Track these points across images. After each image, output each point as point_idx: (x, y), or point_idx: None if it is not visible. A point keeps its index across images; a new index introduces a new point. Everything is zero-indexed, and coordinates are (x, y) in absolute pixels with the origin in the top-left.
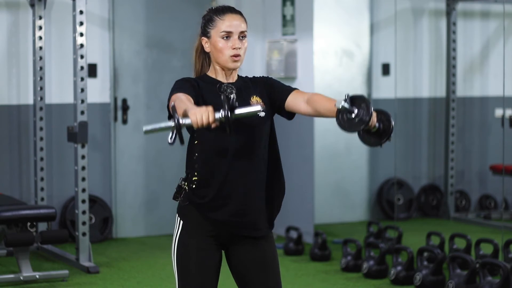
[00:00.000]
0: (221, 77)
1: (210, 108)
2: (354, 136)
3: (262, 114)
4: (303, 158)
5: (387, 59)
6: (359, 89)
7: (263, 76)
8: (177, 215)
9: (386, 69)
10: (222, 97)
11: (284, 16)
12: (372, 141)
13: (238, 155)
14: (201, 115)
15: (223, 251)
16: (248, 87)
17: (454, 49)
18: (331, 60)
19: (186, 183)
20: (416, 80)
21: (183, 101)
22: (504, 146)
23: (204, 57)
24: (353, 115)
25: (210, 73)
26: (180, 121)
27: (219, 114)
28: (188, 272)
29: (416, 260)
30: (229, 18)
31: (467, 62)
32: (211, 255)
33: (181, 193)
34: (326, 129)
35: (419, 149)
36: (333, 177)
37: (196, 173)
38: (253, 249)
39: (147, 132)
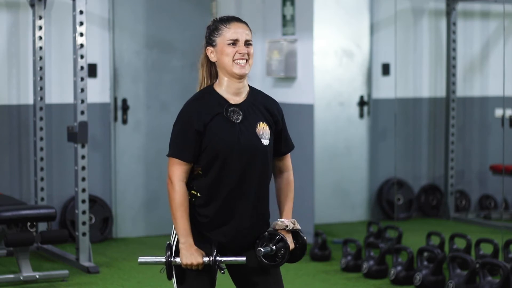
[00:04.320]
0: (227, 93)
1: (199, 257)
2: (354, 136)
3: (266, 142)
4: (303, 158)
5: (387, 59)
6: (359, 89)
7: (278, 107)
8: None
9: (386, 69)
10: (211, 245)
11: (284, 16)
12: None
13: (241, 179)
14: (191, 261)
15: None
16: (256, 109)
17: (454, 49)
18: (331, 60)
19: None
20: (416, 80)
21: (179, 213)
22: (504, 146)
23: (210, 68)
24: (279, 251)
25: (217, 87)
26: (171, 261)
27: (207, 259)
28: (185, 277)
29: (416, 260)
30: (235, 26)
31: (467, 62)
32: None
33: None
34: (326, 129)
35: (419, 149)
36: (333, 177)
37: (194, 187)
38: (253, 251)
39: (141, 263)
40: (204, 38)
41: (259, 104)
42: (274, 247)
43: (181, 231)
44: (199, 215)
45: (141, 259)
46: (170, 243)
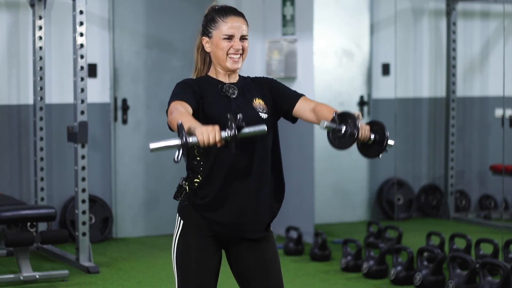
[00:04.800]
0: (222, 77)
1: (216, 128)
2: None
3: (265, 116)
4: (303, 158)
5: (387, 59)
6: (359, 89)
7: (265, 78)
8: (177, 214)
9: (386, 69)
10: (228, 116)
11: (284, 16)
12: (371, 152)
13: (241, 158)
14: (207, 134)
15: (223, 251)
16: (250, 88)
17: (454, 49)
18: (331, 60)
19: (187, 183)
20: (416, 80)
21: (184, 115)
22: (504, 146)
23: (205, 56)
24: (342, 133)
25: (211, 73)
26: (188, 140)
27: (225, 133)
28: (187, 272)
29: (416, 260)
30: (232, 21)
31: (467, 62)
32: (211, 255)
33: (181, 193)
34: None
35: (419, 149)
36: (333, 177)
37: (197, 174)
38: (254, 249)
39: (153, 150)
40: (200, 25)
41: (251, 82)
42: (342, 126)
43: (191, 123)
44: (201, 198)
45: (153, 145)
46: (182, 124)
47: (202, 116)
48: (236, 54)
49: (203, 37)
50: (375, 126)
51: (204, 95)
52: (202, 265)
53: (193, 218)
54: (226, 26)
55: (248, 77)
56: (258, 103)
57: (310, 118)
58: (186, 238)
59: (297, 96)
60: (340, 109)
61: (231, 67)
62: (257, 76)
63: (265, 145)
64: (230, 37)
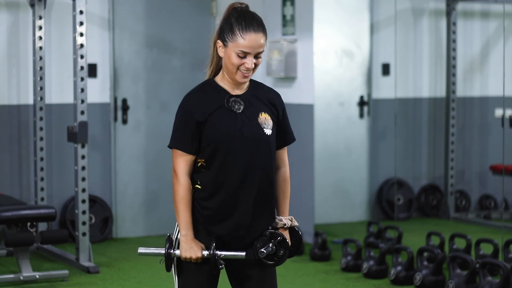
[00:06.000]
0: (228, 86)
1: (198, 253)
2: (354, 136)
3: (269, 132)
4: (303, 158)
5: (387, 59)
6: (359, 89)
7: (280, 98)
8: None
9: (386, 69)
10: (211, 240)
11: (284, 16)
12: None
13: (245, 170)
14: (190, 255)
15: None
16: (258, 100)
17: (454, 49)
18: (331, 60)
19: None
20: (416, 80)
21: (182, 205)
22: (504, 146)
23: (218, 56)
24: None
25: (219, 78)
26: (171, 253)
27: (206, 252)
28: (187, 272)
29: (416, 260)
30: (250, 38)
31: (467, 62)
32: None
33: None
34: (326, 129)
35: (419, 149)
36: (333, 177)
37: (198, 181)
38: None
39: (141, 254)
40: (220, 21)
41: (261, 95)
42: (274, 247)
43: (182, 224)
44: (203, 209)
45: (141, 250)
46: (170, 235)
47: (207, 131)
48: (247, 70)
49: (218, 40)
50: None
51: (208, 114)
52: (201, 265)
53: (193, 222)
54: (243, 42)
55: (258, 84)
56: (264, 118)
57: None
58: None
59: (282, 143)
60: (340, 109)
61: (239, 81)
62: (271, 88)
63: (269, 158)
64: (244, 54)
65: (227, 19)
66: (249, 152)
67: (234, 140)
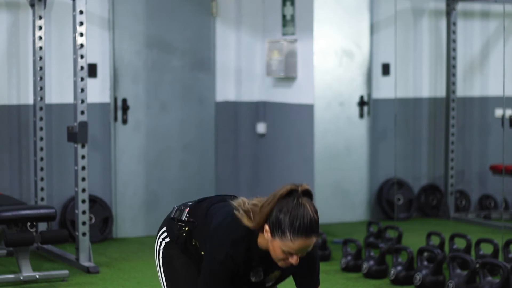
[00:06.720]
0: (267, 255)
1: None
2: (354, 136)
3: (269, 283)
4: (303, 158)
5: (387, 59)
6: (359, 89)
7: (313, 253)
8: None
9: (386, 69)
10: None
11: (284, 16)
12: None
13: None
14: None
15: None
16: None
17: (454, 49)
18: (331, 60)
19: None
20: (416, 80)
21: None
22: (504, 146)
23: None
24: None
25: (261, 240)
26: None
27: None
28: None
29: (416, 260)
30: (300, 243)
31: (467, 62)
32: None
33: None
34: (326, 129)
35: (419, 149)
36: (333, 177)
37: None
38: None
39: None
40: (272, 199)
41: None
42: None
43: None
44: None
45: None
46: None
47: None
48: (287, 265)
49: (266, 224)
50: None
51: (237, 273)
52: (188, 266)
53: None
54: (292, 245)
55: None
56: (274, 276)
57: None
58: (170, 247)
59: (313, 284)
60: (340, 109)
61: (280, 265)
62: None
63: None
64: (291, 255)
65: (280, 209)
66: None
67: None
